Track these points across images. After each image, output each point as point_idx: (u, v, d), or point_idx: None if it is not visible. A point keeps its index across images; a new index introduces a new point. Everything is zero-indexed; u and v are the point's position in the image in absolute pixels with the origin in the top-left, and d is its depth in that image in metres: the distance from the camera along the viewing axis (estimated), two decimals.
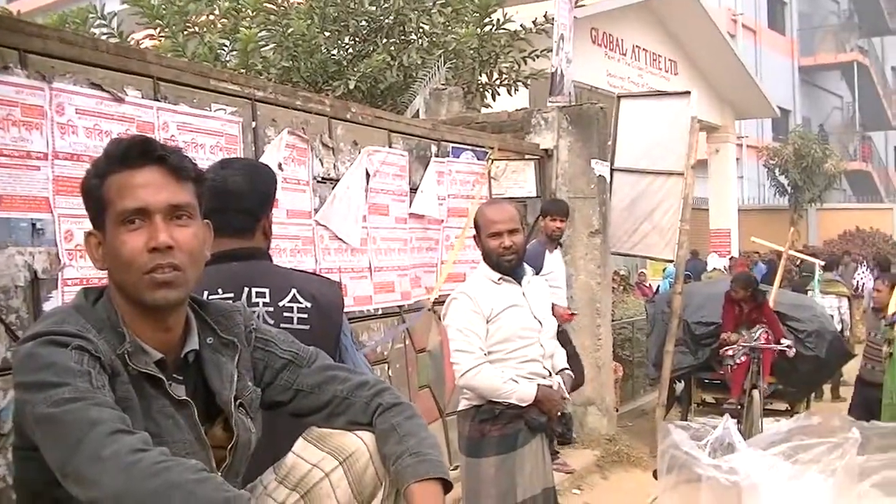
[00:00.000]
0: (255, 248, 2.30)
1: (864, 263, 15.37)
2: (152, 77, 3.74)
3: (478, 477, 3.78)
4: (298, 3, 7.69)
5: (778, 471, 3.47)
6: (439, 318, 4.91)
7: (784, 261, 9.32)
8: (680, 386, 8.56)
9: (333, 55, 7.50)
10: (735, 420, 4.12)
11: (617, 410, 7.97)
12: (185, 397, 1.61)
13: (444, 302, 4.00)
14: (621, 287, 10.35)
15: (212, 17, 7.88)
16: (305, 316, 2.26)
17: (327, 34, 7.52)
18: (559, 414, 3.85)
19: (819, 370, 8.13)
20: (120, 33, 7.37)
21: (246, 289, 2.23)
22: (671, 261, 7.75)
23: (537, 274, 6.43)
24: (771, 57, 30.13)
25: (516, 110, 7.79)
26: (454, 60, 7.57)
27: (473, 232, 3.93)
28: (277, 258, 3.31)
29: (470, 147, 6.44)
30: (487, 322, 3.71)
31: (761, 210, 25.35)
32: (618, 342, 9.62)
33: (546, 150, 7.41)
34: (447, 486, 1.67)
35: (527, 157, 7.14)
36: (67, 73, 3.36)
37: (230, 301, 1.94)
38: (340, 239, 4.96)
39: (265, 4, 7.41)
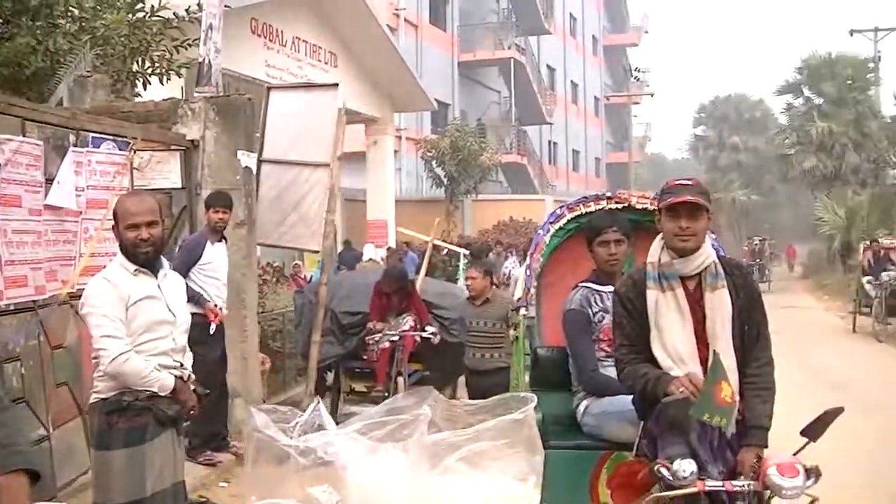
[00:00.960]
0: None
1: (514, 253, 17.20)
2: None
3: (107, 469, 4.01)
4: None
5: (354, 448, 4.02)
6: (76, 313, 5.10)
7: (430, 250, 10.35)
8: (332, 376, 9.22)
9: None
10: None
11: (265, 402, 8.34)
12: None
13: (80, 296, 4.23)
14: (275, 279, 10.96)
15: None
16: None
17: None
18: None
19: (463, 356, 9.15)
20: None
21: None
22: (317, 251, 8.45)
23: (194, 264, 6.93)
24: (432, 52, 32.27)
25: (163, 100, 7.99)
26: (103, 47, 7.62)
27: (112, 223, 4.17)
28: None
29: (112, 137, 6.62)
30: (126, 310, 4.00)
31: (418, 201, 27.08)
32: (269, 334, 10.24)
33: (192, 141, 7.74)
34: (35, 477, 1.92)
35: (172, 147, 7.47)
36: None
37: None
38: None
39: None
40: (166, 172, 7.31)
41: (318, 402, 4.29)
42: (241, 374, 7.76)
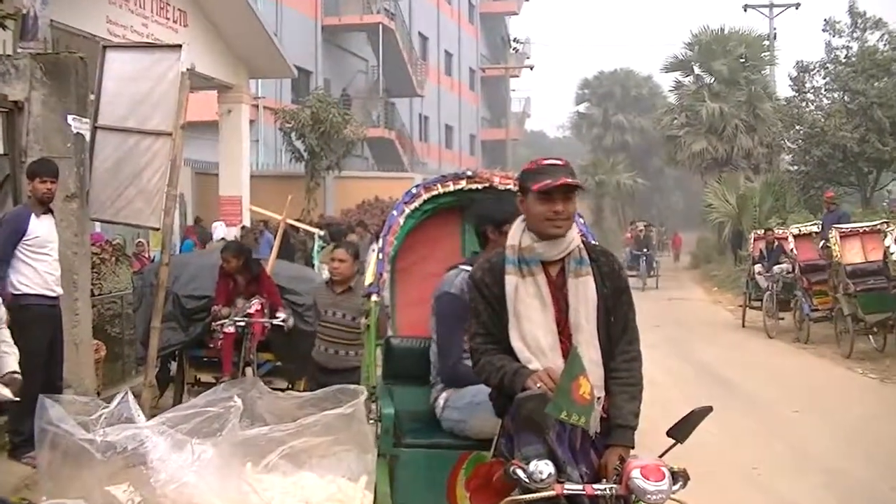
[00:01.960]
0: None
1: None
2: None
3: None
4: None
5: (160, 443, 4.04)
6: None
7: (282, 230, 10.49)
8: (176, 365, 9.35)
9: None
10: None
11: (99, 394, 8.42)
12: None
13: None
14: (114, 258, 10.90)
15: None
16: None
17: None
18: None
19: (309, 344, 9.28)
20: None
21: None
22: (157, 228, 8.48)
23: (19, 241, 6.88)
24: (293, 14, 32.10)
25: None
26: None
27: None
28: None
29: None
30: None
31: (276, 177, 27.08)
32: (106, 318, 10.22)
33: (16, 103, 7.68)
34: None
35: None
36: None
37: None
38: None
39: None
40: None
41: (127, 393, 4.29)
42: (72, 362, 7.74)
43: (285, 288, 9.05)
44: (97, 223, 11.43)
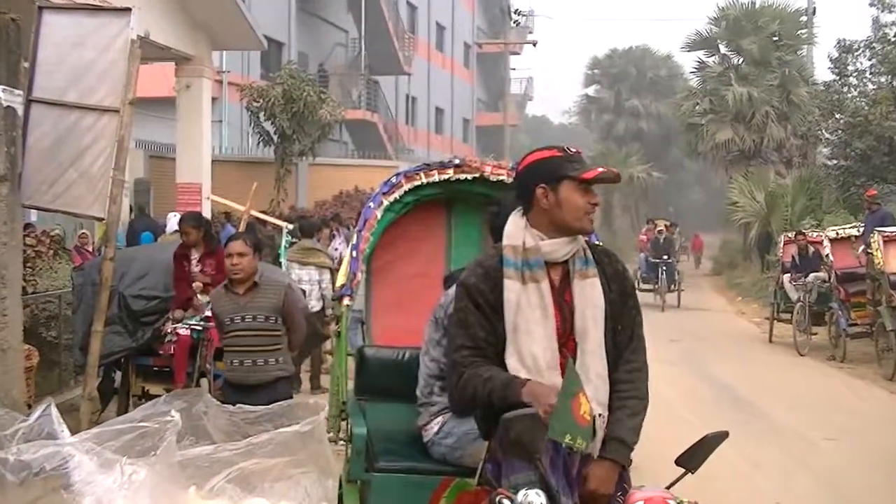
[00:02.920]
0: None
1: (339, 232, 17.24)
2: None
3: None
4: None
5: (84, 462, 3.97)
6: None
7: (244, 222, 10.46)
8: (121, 375, 9.42)
9: None
10: None
11: (30, 407, 8.37)
12: None
13: None
14: (52, 251, 10.86)
15: None
16: None
17: None
18: None
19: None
20: None
21: None
22: (101, 218, 8.45)
23: None
24: None
25: None
26: None
27: None
28: None
29: None
30: None
31: (242, 162, 27.09)
32: (41, 320, 10.17)
33: None
34: None
35: None
36: None
37: None
38: None
39: None
40: None
41: (50, 405, 4.26)
42: None
43: None
44: (32, 211, 11.36)
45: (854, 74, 28.35)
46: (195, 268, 9.00)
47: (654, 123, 57.43)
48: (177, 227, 15.38)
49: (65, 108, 8.25)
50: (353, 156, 33.97)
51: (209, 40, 21.64)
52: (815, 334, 17.78)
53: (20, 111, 7.96)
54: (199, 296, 8.87)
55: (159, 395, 8.58)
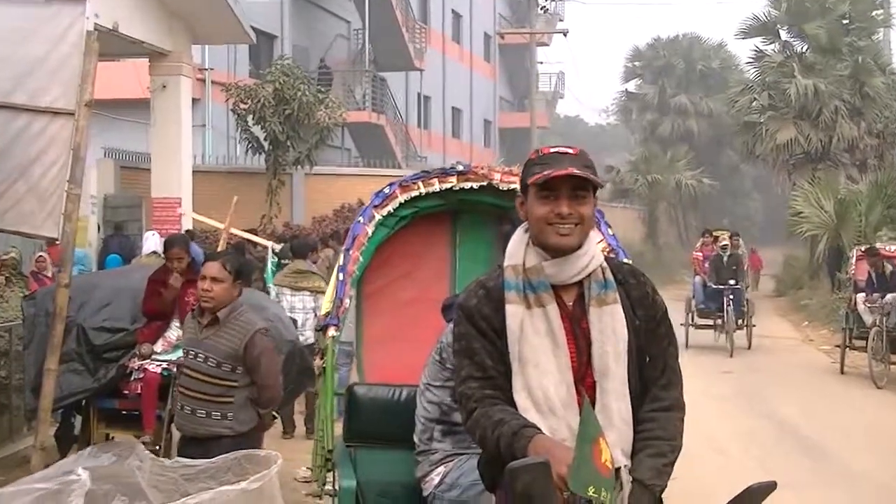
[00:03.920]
0: None
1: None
2: None
3: None
4: None
5: None
6: None
7: (224, 242, 10.38)
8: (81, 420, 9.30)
9: None
10: None
11: None
12: None
13: None
14: (4, 277, 10.85)
15: None
16: None
17: None
18: None
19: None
20: None
21: None
22: (55, 238, 8.40)
23: None
24: None
25: None
26: None
27: None
28: None
29: None
30: None
31: (229, 173, 27.19)
32: None
33: None
34: None
35: None
36: None
37: None
38: None
39: None
40: None
41: None
42: None
43: None
44: None
45: None
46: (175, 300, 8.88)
47: (704, 123, 57.37)
48: (155, 249, 15.48)
49: (11, 111, 8.22)
50: (356, 164, 33.98)
51: (188, 33, 21.71)
52: (895, 363, 17.56)
53: None
54: (173, 327, 8.81)
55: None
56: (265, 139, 25.35)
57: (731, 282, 22.07)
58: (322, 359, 5.33)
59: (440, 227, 5.67)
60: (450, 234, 5.69)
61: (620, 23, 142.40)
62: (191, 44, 22.24)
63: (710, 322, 22.83)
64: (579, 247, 3.73)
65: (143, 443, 8.13)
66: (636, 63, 61.31)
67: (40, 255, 16.32)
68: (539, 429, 3.56)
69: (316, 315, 12.18)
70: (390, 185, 5.44)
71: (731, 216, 62.55)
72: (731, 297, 21.91)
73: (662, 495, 3.68)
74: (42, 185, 8.14)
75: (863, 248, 20.26)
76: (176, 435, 8.14)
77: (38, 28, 8.19)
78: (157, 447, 8.09)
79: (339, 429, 5.48)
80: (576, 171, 3.65)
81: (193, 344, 6.74)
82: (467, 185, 5.38)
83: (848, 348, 19.10)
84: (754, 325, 23.04)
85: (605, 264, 3.81)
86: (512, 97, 58.84)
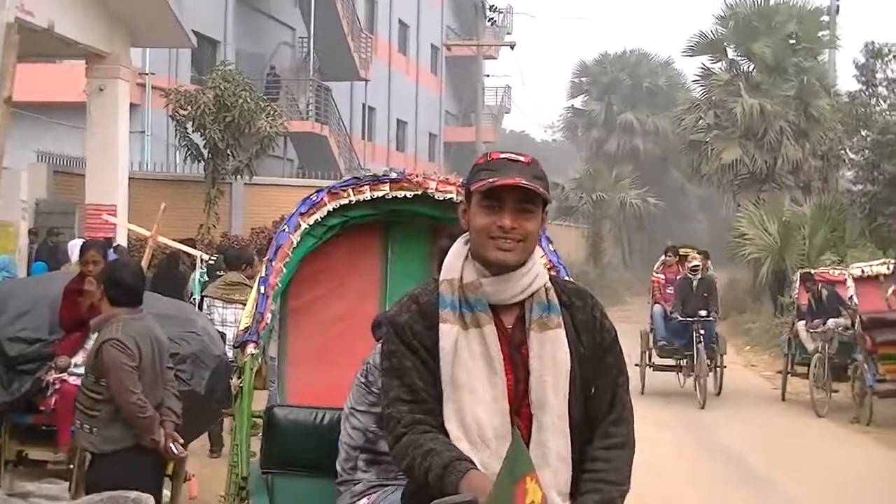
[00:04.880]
0: None
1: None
2: None
3: None
4: None
5: None
6: None
7: (149, 251, 10.16)
8: None
9: None
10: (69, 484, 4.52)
11: None
12: None
13: None
14: None
15: None
16: None
17: None
18: None
19: (200, 411, 8.67)
20: None
21: None
22: None
23: None
24: None
25: None
26: None
27: None
28: None
29: None
30: None
31: (168, 181, 26.90)
32: None
33: None
34: None
35: None
36: None
37: None
38: None
39: None
40: None
41: None
42: None
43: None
44: None
45: (884, 84, 28.42)
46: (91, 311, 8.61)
47: (650, 141, 57.83)
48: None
49: None
50: (298, 175, 33.84)
51: (127, 35, 21.51)
52: (836, 391, 17.45)
53: None
54: (92, 338, 8.51)
55: (41, 461, 8.52)
56: (205, 147, 25.20)
57: (702, 313, 18.06)
58: (240, 378, 5.03)
59: (371, 239, 5.42)
60: (381, 247, 5.44)
61: (568, 38, 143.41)
62: (129, 46, 22.11)
63: (673, 363, 19.31)
64: (522, 265, 3.53)
65: (57, 461, 8.02)
66: (583, 79, 61.76)
67: None
68: (473, 463, 3.33)
69: None
70: (318, 191, 5.18)
71: (676, 237, 62.75)
72: (702, 332, 18.00)
73: None
74: None
75: (808, 271, 20.16)
76: None
77: None
78: (72, 465, 7.78)
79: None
80: (523, 182, 3.42)
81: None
82: (401, 193, 5.13)
83: (790, 374, 19.03)
84: (724, 367, 19.44)
85: (549, 284, 3.61)
86: (458, 111, 58.90)
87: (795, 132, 36.14)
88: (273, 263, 5.02)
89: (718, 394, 18.83)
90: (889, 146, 25.73)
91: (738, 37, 38.26)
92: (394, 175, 5.18)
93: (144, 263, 10.16)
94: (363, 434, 4.46)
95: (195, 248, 16.87)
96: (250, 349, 4.95)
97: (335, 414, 4.72)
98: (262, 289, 4.97)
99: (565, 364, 3.51)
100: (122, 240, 19.98)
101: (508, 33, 56.51)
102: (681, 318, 18.19)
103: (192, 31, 23.37)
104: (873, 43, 28.30)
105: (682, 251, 20.53)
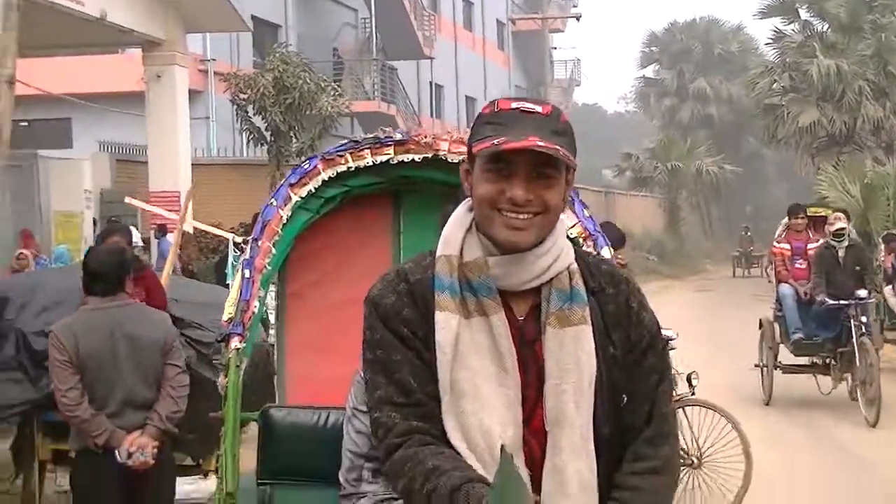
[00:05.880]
0: None
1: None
2: None
3: None
4: None
5: None
6: None
7: (178, 236, 9.90)
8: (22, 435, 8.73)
9: None
10: None
11: None
12: None
13: None
14: None
15: None
16: None
17: None
18: None
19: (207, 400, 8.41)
20: None
21: None
22: None
23: None
24: None
25: None
26: None
27: None
28: None
29: None
30: None
31: (232, 165, 27.02)
32: None
33: None
34: None
35: None
36: None
37: None
38: None
39: None
40: None
41: None
42: None
43: (184, 320, 8.35)
44: None
45: None
46: None
47: (724, 107, 57.35)
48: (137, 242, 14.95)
49: None
50: None
51: (182, 21, 21.65)
52: None
53: None
54: None
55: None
56: (266, 130, 24.94)
57: (861, 293, 13.29)
58: (224, 377, 4.42)
59: (379, 212, 4.77)
60: (390, 220, 4.79)
61: (636, 7, 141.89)
62: (184, 32, 22.22)
63: (816, 360, 14.30)
64: (539, 242, 2.80)
65: None
66: (653, 48, 61.52)
67: (21, 253, 15.72)
68: (489, 482, 2.65)
69: None
70: (310, 158, 4.55)
71: (755, 203, 62.13)
72: (863, 319, 13.44)
73: None
74: None
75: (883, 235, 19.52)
76: None
77: None
78: None
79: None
80: (538, 145, 2.69)
81: None
82: (408, 157, 4.46)
83: (885, 342, 18.21)
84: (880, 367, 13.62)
85: (574, 267, 2.87)
86: (527, 85, 58.42)
87: (875, 91, 35.82)
88: (259, 243, 4.39)
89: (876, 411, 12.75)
90: None
91: None
92: (398, 136, 4.53)
93: (173, 249, 9.75)
94: (368, 439, 3.83)
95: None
96: (235, 343, 4.35)
97: (341, 414, 4.11)
98: (248, 272, 4.33)
99: (590, 368, 2.82)
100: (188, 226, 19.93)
101: (574, 5, 55.91)
102: (831, 302, 13.25)
103: (252, 15, 23.66)
104: None
105: (813, 211, 15.78)
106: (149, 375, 6.35)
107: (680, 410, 8.85)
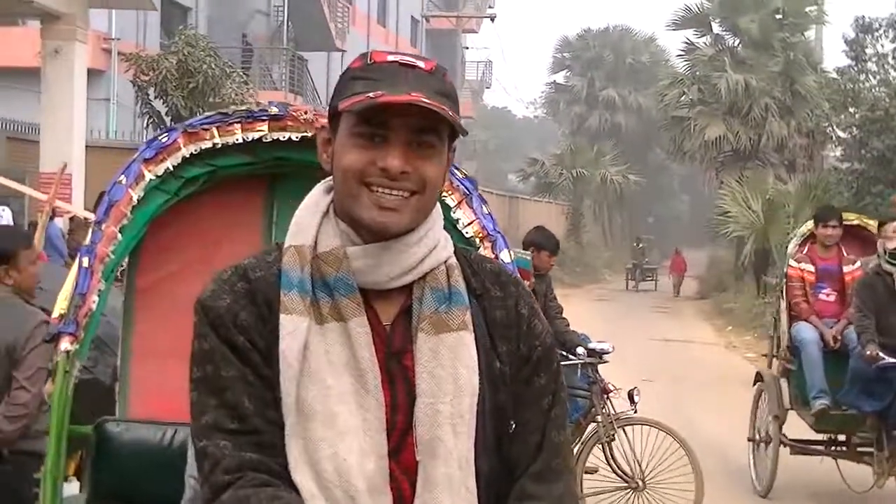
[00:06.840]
0: None
1: None
2: None
3: None
4: None
5: None
6: None
7: (45, 218, 9.42)
8: None
9: None
10: None
11: None
12: None
13: None
14: None
15: None
16: None
17: None
18: None
19: (107, 404, 8.11)
20: None
21: None
22: None
23: None
24: None
25: None
26: None
27: None
28: None
29: None
30: None
31: (129, 150, 25.59)
32: None
33: None
34: None
35: None
36: None
37: None
38: None
39: None
40: None
41: None
42: None
43: (46, 309, 7.76)
44: None
45: (873, 59, 27.92)
46: None
47: (633, 118, 58.33)
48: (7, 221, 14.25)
49: None
50: None
51: None
52: None
53: None
54: None
55: None
56: (167, 114, 24.23)
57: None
58: (51, 382, 3.77)
59: (249, 198, 4.14)
60: (262, 208, 4.16)
61: (551, 12, 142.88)
62: (87, 7, 21.38)
63: (837, 436, 10.20)
64: (412, 226, 2.28)
65: None
66: (565, 54, 62.48)
67: None
68: None
69: None
70: (169, 131, 3.89)
71: (657, 215, 62.81)
72: None
73: None
74: None
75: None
76: None
77: None
78: None
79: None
80: (424, 101, 2.18)
81: None
82: (284, 135, 3.81)
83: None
84: None
85: (453, 262, 2.37)
86: None
87: (781, 109, 36.22)
88: (103, 227, 3.73)
89: None
90: (877, 123, 25.18)
91: (724, 10, 38.31)
92: (274, 110, 3.89)
93: (38, 231, 9.16)
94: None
95: None
96: (65, 344, 3.67)
97: (188, 432, 3.51)
98: (86, 261, 3.65)
99: (471, 386, 2.28)
100: (78, 209, 19.18)
101: (490, 6, 55.92)
102: (889, 360, 8.68)
103: None
104: (863, 17, 27.98)
105: (849, 219, 10.76)
106: None
107: (620, 430, 8.68)
